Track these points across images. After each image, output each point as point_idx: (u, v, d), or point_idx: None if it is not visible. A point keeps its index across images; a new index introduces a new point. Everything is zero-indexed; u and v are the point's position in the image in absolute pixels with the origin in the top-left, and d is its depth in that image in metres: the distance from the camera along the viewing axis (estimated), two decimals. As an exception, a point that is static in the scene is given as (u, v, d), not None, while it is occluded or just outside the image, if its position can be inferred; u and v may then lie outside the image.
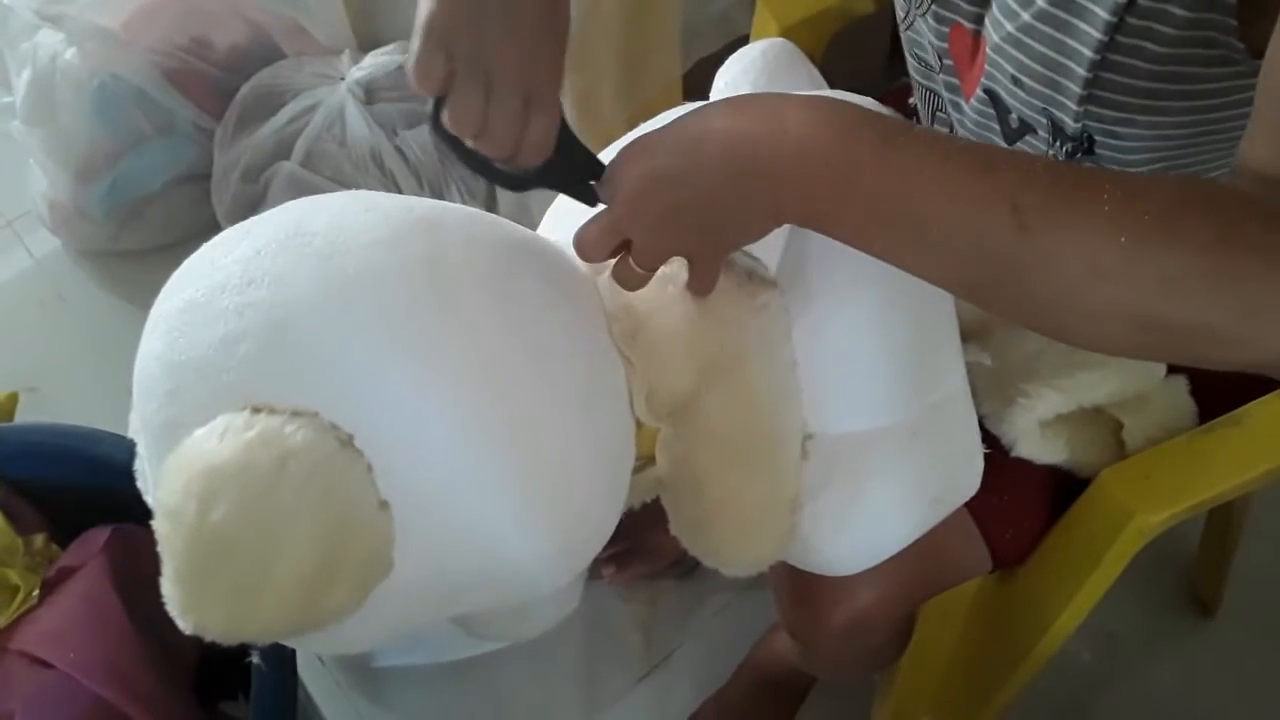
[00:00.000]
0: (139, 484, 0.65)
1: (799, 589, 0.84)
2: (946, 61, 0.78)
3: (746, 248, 0.66)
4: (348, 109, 1.39)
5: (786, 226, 0.61)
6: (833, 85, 0.83)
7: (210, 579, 0.53)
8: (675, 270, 0.66)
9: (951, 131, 0.84)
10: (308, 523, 0.53)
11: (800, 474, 0.67)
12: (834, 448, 0.68)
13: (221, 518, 0.51)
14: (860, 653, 0.96)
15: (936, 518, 0.73)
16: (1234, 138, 0.59)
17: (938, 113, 0.85)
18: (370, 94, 1.41)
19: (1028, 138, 0.75)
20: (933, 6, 0.76)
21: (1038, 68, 0.69)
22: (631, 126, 0.79)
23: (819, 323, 0.66)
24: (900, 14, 0.82)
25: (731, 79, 0.79)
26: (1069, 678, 1.22)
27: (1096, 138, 0.71)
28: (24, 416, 1.23)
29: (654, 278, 0.65)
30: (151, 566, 0.55)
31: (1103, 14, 0.63)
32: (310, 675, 1.20)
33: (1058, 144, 0.72)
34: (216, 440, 0.53)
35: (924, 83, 0.84)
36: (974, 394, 0.73)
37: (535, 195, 1.27)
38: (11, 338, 1.54)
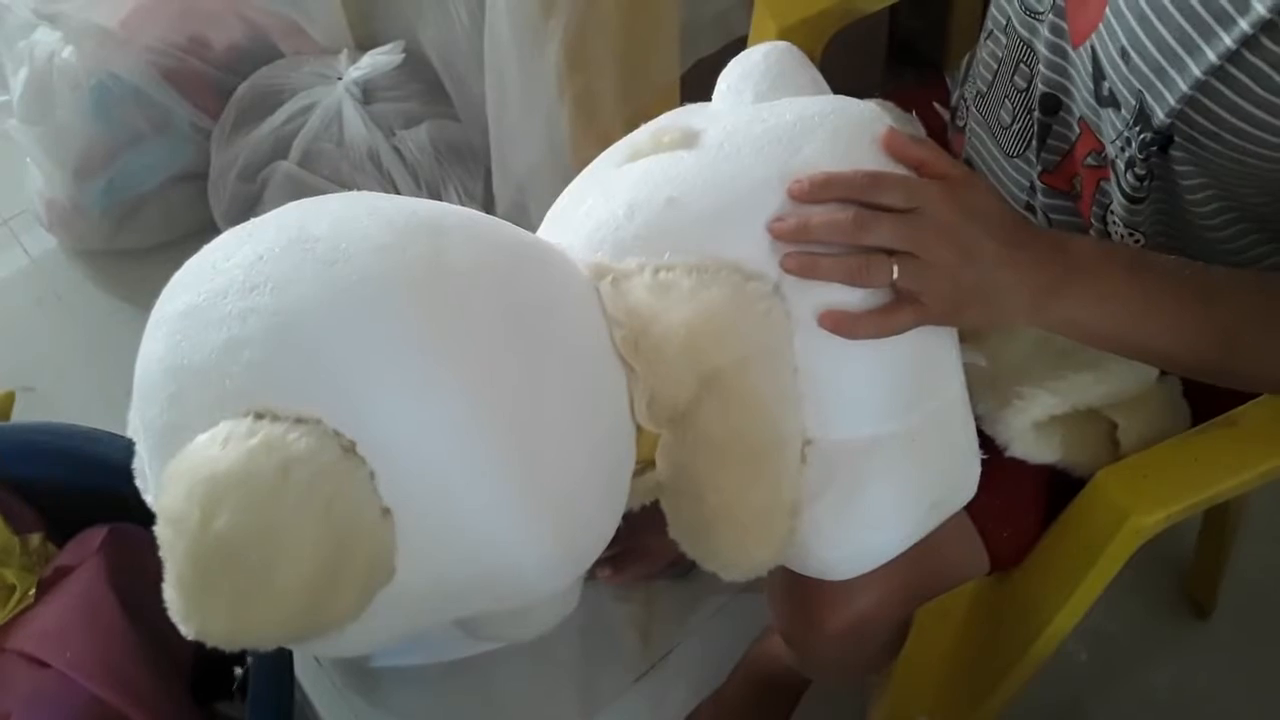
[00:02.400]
0: (138, 484, 0.65)
1: (795, 593, 0.84)
2: (1060, 3, 0.77)
3: (745, 257, 0.66)
4: (345, 109, 1.39)
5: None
6: (832, 86, 0.83)
7: (212, 586, 0.52)
8: (677, 277, 0.66)
9: (1029, 88, 0.83)
10: (310, 530, 0.52)
11: (800, 479, 0.67)
12: (833, 453, 0.68)
13: (224, 525, 0.51)
14: (857, 655, 0.96)
15: (934, 522, 0.73)
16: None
17: (1021, 64, 0.83)
18: (368, 94, 1.41)
19: (1109, 110, 0.74)
20: None
21: (1152, 50, 0.68)
22: (630, 128, 0.79)
23: (820, 329, 0.66)
24: None
25: (732, 82, 0.79)
26: (1065, 678, 1.23)
27: (1177, 139, 0.70)
28: (21, 415, 1.23)
29: (655, 283, 0.66)
30: (148, 566, 0.55)
31: (1244, 25, 0.62)
32: (307, 675, 1.20)
33: (1136, 128, 0.71)
34: (219, 447, 0.53)
35: (1022, 31, 0.82)
36: (969, 395, 0.74)
37: (533, 196, 1.28)
38: (8, 337, 1.54)
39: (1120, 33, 0.70)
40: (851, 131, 0.71)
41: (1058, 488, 0.82)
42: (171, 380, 0.57)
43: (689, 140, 0.73)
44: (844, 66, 0.96)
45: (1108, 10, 0.71)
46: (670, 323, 0.64)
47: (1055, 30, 0.78)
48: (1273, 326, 0.68)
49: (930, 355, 0.70)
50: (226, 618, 0.53)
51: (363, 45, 1.46)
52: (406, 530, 0.56)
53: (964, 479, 0.73)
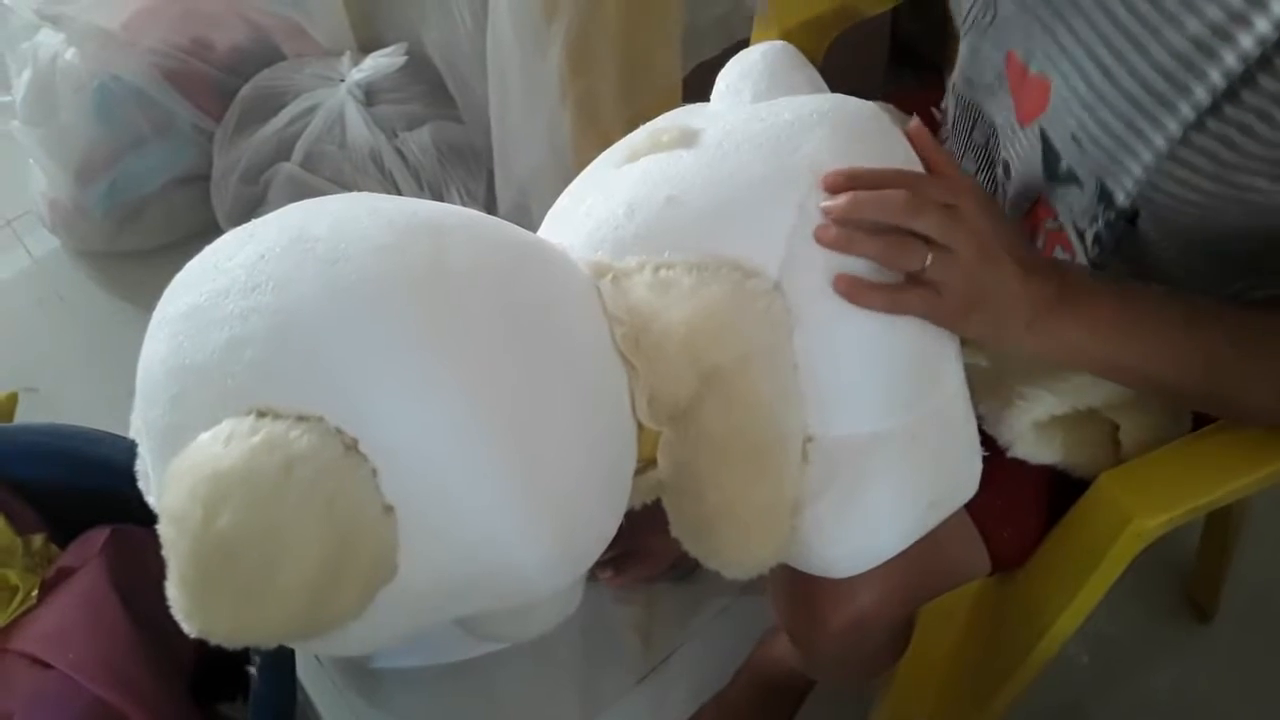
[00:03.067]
0: (140, 485, 0.65)
1: (798, 591, 0.84)
2: (1004, 81, 0.78)
3: (745, 254, 0.66)
4: (348, 111, 1.39)
5: (786, 228, 0.66)
6: (833, 88, 0.83)
7: (215, 584, 0.52)
8: (677, 275, 0.66)
9: (988, 145, 0.83)
10: (313, 528, 0.52)
11: (801, 477, 0.67)
12: (834, 450, 0.68)
13: (227, 523, 0.51)
14: (859, 655, 0.96)
15: (935, 520, 0.73)
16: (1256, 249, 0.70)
17: (977, 124, 0.84)
18: (370, 96, 1.42)
19: (1071, 186, 0.75)
20: (991, 29, 0.76)
21: (1103, 136, 0.69)
22: (631, 129, 0.79)
23: (821, 326, 0.66)
24: (957, 18, 0.81)
25: (731, 82, 0.79)
26: (1067, 681, 1.23)
27: (1142, 212, 0.71)
28: (23, 417, 1.23)
29: (656, 281, 0.66)
30: (151, 567, 0.55)
31: (1185, 110, 0.63)
32: (308, 676, 1.20)
33: (1100, 205, 0.72)
34: (221, 445, 0.53)
35: (973, 97, 0.83)
36: (971, 395, 0.74)
37: (535, 197, 1.28)
38: (11, 337, 1.54)
39: (1069, 118, 0.71)
40: (850, 129, 0.71)
41: (1059, 489, 0.82)
42: (174, 381, 0.57)
43: (688, 139, 0.73)
44: (845, 69, 0.96)
45: (1052, 95, 0.72)
46: (670, 320, 0.64)
47: (1003, 105, 0.78)
48: (1254, 355, 0.68)
49: (930, 353, 0.70)
50: (229, 616, 0.53)
51: (365, 47, 1.46)
52: (408, 528, 0.56)
53: (965, 477, 0.73)
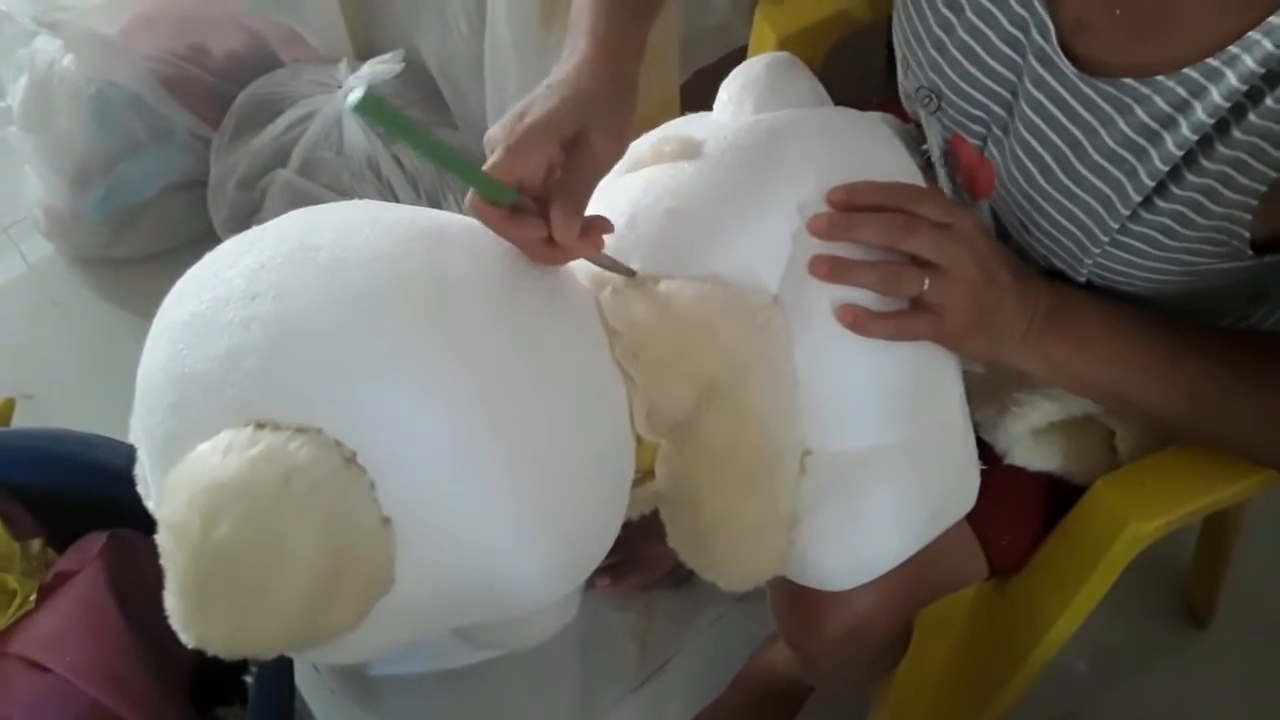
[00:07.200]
0: (139, 490, 0.65)
1: (796, 597, 0.84)
2: (954, 158, 0.79)
3: (745, 268, 0.66)
4: (345, 117, 1.39)
5: (789, 241, 0.66)
6: (832, 95, 0.83)
7: (213, 595, 0.53)
8: (677, 286, 0.66)
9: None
10: (311, 540, 0.53)
11: (798, 490, 0.67)
12: (832, 464, 0.68)
13: (225, 535, 0.51)
14: (857, 660, 0.96)
15: (933, 534, 0.73)
16: (1215, 303, 0.73)
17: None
18: (368, 102, 1.41)
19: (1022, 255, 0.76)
20: (936, 114, 0.76)
21: (1046, 226, 0.70)
22: (631, 137, 0.79)
23: (820, 341, 0.67)
24: (901, 95, 0.81)
25: (734, 93, 0.79)
26: (1064, 687, 1.23)
27: (1095, 283, 0.72)
28: (20, 423, 1.22)
29: (655, 294, 0.66)
30: (149, 571, 0.55)
31: (1134, 194, 0.64)
32: (305, 682, 1.20)
33: (1054, 277, 0.73)
34: (220, 456, 0.53)
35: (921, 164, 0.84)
36: (967, 402, 0.74)
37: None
38: (6, 344, 1.54)
39: (1014, 209, 0.72)
40: (852, 143, 0.71)
41: (1056, 495, 0.82)
42: (173, 388, 0.57)
43: (690, 151, 0.73)
44: (843, 75, 0.96)
45: (996, 183, 0.72)
46: (669, 333, 0.64)
47: (952, 179, 0.79)
48: (1233, 395, 0.69)
49: (930, 367, 0.70)
50: (227, 626, 0.53)
51: (362, 54, 1.46)
52: (406, 540, 0.56)
53: (963, 490, 0.73)
